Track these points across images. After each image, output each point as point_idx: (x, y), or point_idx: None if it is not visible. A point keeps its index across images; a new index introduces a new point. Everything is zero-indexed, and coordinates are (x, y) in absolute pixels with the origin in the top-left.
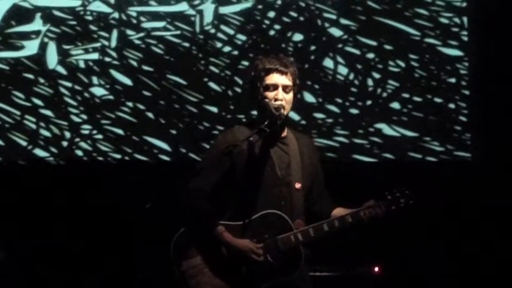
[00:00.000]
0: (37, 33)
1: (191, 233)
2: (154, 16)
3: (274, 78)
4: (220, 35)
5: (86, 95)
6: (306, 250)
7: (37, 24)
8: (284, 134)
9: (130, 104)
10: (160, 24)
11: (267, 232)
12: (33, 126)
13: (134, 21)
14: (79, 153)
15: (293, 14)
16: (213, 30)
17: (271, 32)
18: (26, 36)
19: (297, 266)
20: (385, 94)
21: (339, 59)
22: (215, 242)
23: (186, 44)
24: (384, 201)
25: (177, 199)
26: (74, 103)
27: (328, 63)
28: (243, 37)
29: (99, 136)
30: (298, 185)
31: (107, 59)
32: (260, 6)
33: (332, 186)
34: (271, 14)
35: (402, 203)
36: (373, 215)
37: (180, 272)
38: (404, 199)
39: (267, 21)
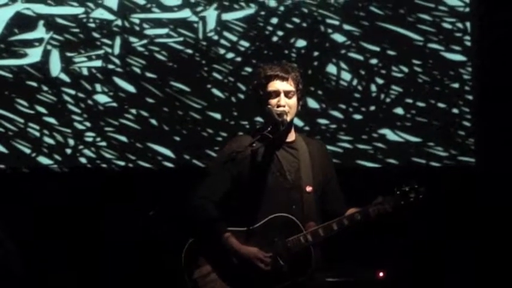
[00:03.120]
0: (40, 40)
1: (199, 241)
2: (157, 23)
3: (276, 84)
4: (223, 41)
5: (90, 102)
6: (317, 252)
7: (40, 32)
8: (292, 138)
9: (133, 111)
10: (163, 31)
11: (276, 235)
12: (37, 133)
13: (137, 28)
14: (83, 160)
15: (296, 20)
16: (216, 37)
17: (274, 38)
18: (29, 43)
19: (308, 268)
20: (388, 99)
21: (342, 65)
22: (224, 249)
23: (189, 51)
24: (393, 196)
25: (184, 207)
26: (78, 110)
27: (331, 69)
28: (246, 43)
29: (103, 143)
30: (309, 188)
31: (110, 66)
32: (263, 13)
33: None
34: (274, 20)
35: (412, 197)
36: (381, 211)
37: (191, 280)
38: (414, 194)
39: (270, 28)
